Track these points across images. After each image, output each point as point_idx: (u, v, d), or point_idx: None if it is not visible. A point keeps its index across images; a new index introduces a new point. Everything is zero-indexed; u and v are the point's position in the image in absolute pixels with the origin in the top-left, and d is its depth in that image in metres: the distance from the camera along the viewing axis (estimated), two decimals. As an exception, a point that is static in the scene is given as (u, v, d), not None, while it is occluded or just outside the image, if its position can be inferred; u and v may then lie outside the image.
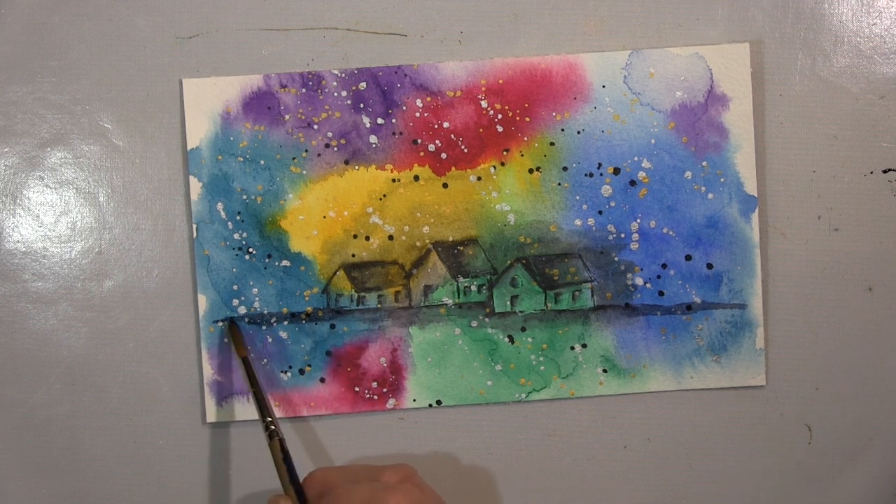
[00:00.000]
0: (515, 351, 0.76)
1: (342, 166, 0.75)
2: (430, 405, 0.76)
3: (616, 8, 0.75)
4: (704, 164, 0.75)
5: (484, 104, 0.75)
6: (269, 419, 0.69)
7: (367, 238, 0.75)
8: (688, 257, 0.75)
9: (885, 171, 0.75)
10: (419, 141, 0.75)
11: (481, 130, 0.75)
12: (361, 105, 0.75)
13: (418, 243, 0.76)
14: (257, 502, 0.76)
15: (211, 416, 0.75)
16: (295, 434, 0.76)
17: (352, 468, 0.66)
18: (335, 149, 0.75)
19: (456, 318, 0.76)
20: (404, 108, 0.75)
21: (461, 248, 0.76)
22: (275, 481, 0.76)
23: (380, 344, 0.76)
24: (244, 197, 0.75)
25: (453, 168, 0.75)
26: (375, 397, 0.76)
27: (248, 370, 0.72)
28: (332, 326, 0.76)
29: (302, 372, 0.76)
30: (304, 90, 0.75)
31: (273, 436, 0.67)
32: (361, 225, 0.76)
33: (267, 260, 0.75)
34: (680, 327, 0.76)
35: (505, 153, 0.75)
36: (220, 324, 0.75)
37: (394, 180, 0.75)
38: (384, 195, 0.75)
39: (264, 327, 0.75)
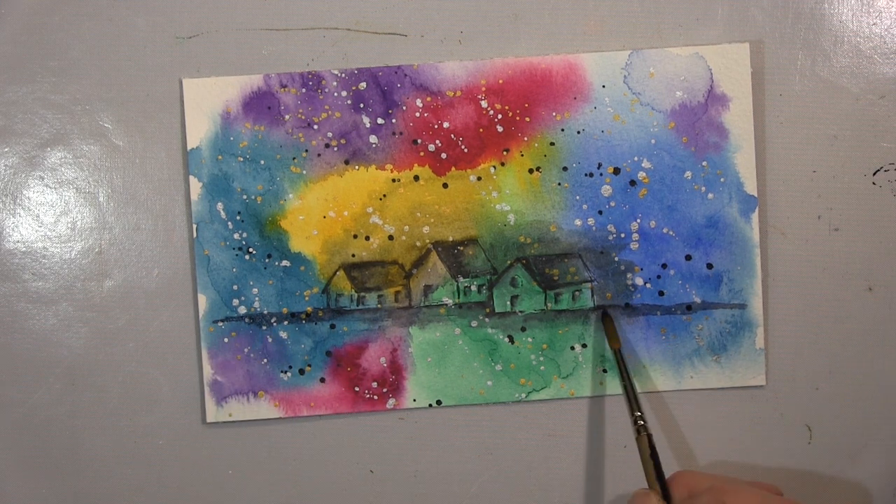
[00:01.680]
0: (515, 351, 0.76)
1: (342, 166, 0.75)
2: (430, 405, 0.76)
3: (616, 8, 0.75)
4: (704, 164, 0.75)
5: (484, 104, 0.75)
6: (639, 414, 0.68)
7: (367, 238, 0.76)
8: (688, 257, 0.75)
9: (885, 171, 0.75)
10: (419, 141, 0.75)
11: (481, 130, 0.75)
12: (361, 105, 0.75)
13: (418, 243, 0.76)
14: (257, 502, 0.76)
15: (211, 416, 0.75)
16: (295, 434, 0.76)
17: (722, 476, 0.65)
18: (335, 149, 0.75)
19: (456, 318, 0.76)
20: (404, 108, 0.75)
21: (461, 248, 0.76)
22: (274, 481, 0.76)
23: (380, 344, 0.76)
24: (244, 197, 0.75)
25: (453, 168, 0.75)
26: (375, 397, 0.76)
27: (619, 362, 0.72)
28: (332, 326, 0.76)
29: (302, 372, 0.76)
30: (304, 90, 0.75)
31: (641, 431, 0.67)
32: (361, 225, 0.76)
33: (267, 260, 0.75)
34: (680, 327, 0.76)
35: (505, 153, 0.75)
36: (595, 312, 0.75)
37: (394, 180, 0.75)
38: (384, 195, 0.75)
39: (264, 327, 0.75)
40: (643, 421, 0.68)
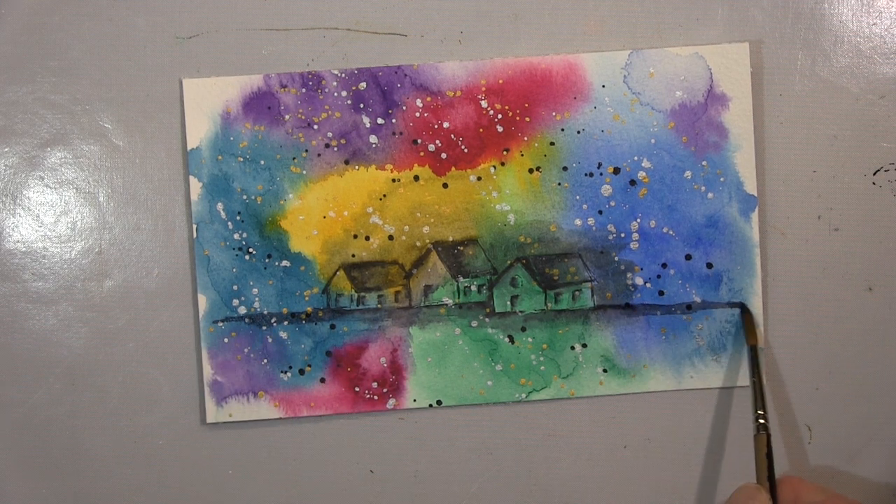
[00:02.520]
0: (515, 351, 0.76)
1: (342, 166, 0.75)
2: (431, 405, 0.76)
3: (616, 8, 0.75)
4: (704, 163, 0.75)
5: (484, 104, 0.75)
6: (761, 412, 0.69)
7: (367, 238, 0.76)
8: (688, 257, 0.75)
9: (885, 171, 0.75)
10: (419, 141, 0.75)
11: (481, 130, 0.75)
12: (361, 105, 0.75)
13: (418, 243, 0.76)
14: (257, 502, 0.76)
15: (211, 416, 0.75)
16: (295, 434, 0.76)
17: (830, 491, 0.66)
18: (335, 149, 0.75)
19: (456, 318, 0.76)
20: (404, 108, 0.75)
21: (461, 248, 0.76)
22: (274, 480, 0.76)
23: (380, 344, 0.76)
24: (244, 197, 0.75)
25: (453, 168, 0.75)
26: (375, 397, 0.76)
27: (754, 359, 0.73)
28: (332, 326, 0.76)
29: (302, 372, 0.76)
30: (304, 90, 0.75)
31: (761, 430, 0.67)
32: (361, 225, 0.76)
33: (267, 260, 0.75)
34: (680, 327, 0.76)
35: (505, 153, 0.75)
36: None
37: (394, 180, 0.75)
38: (384, 195, 0.75)
39: (264, 327, 0.75)
40: (764, 420, 0.68)
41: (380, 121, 0.75)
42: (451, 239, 0.76)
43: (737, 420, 0.76)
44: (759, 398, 0.70)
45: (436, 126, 0.75)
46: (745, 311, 0.75)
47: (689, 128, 0.75)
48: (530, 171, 0.75)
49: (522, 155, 0.75)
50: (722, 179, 0.75)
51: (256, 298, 0.75)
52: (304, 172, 0.75)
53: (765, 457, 0.66)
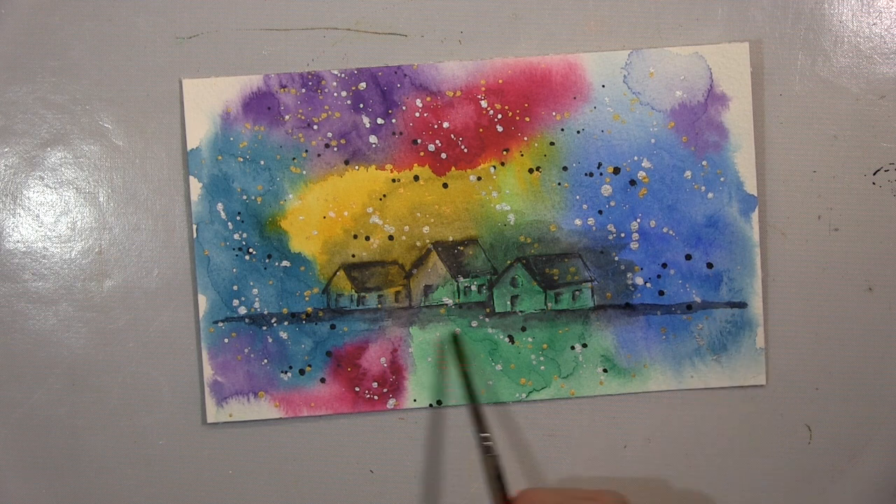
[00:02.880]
0: (515, 351, 0.76)
1: (342, 166, 0.75)
2: (431, 405, 0.76)
3: (616, 8, 0.75)
4: (704, 163, 0.75)
5: (484, 104, 0.75)
6: (485, 435, 0.69)
7: (367, 238, 0.76)
8: (688, 257, 0.75)
9: (885, 171, 0.75)
10: (419, 141, 0.75)
11: (481, 130, 0.75)
12: (361, 105, 0.75)
13: (418, 243, 0.76)
14: (257, 502, 0.76)
15: (211, 416, 0.75)
16: (295, 434, 0.76)
17: (566, 491, 0.66)
18: (335, 149, 0.75)
19: (456, 318, 0.76)
20: (404, 108, 0.75)
21: (461, 248, 0.76)
22: (274, 481, 0.76)
23: (380, 344, 0.76)
24: (244, 197, 0.75)
25: (453, 168, 0.75)
26: (376, 397, 0.76)
27: (467, 383, 0.73)
28: (333, 326, 0.76)
29: (302, 372, 0.76)
30: (303, 90, 0.75)
31: (488, 451, 0.67)
32: (361, 225, 0.76)
33: (267, 260, 0.75)
34: (680, 327, 0.76)
35: (505, 153, 0.75)
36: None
37: (394, 180, 0.75)
38: (384, 195, 0.75)
39: (264, 327, 0.75)
40: (490, 442, 0.68)
41: (380, 121, 0.75)
42: (451, 239, 0.76)
43: (737, 420, 0.76)
44: (480, 421, 0.70)
45: (436, 126, 0.75)
46: (455, 339, 0.75)
47: (689, 128, 0.75)
48: (530, 171, 0.75)
49: (522, 155, 0.75)
50: (722, 179, 0.75)
51: (256, 299, 0.75)
52: (304, 172, 0.75)
53: (496, 479, 0.66)
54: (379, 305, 0.76)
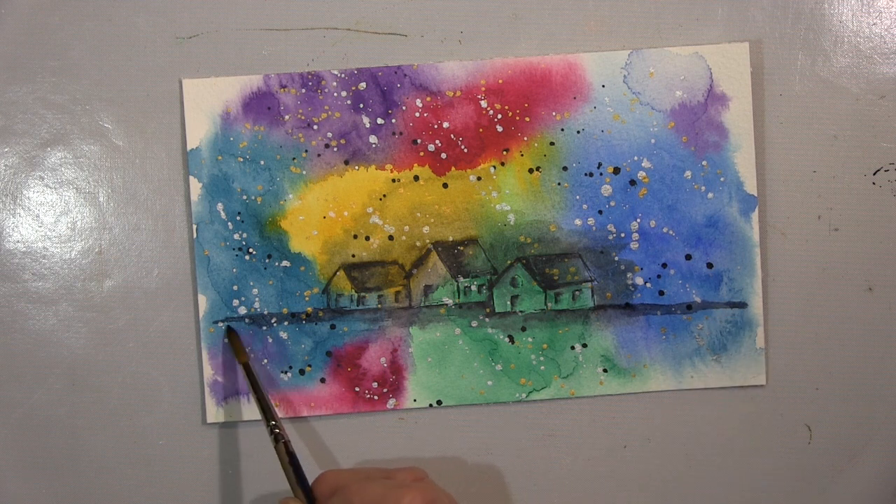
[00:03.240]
0: (515, 351, 0.76)
1: (342, 166, 0.75)
2: (431, 405, 0.76)
3: (616, 8, 0.75)
4: (704, 163, 0.75)
5: (484, 104, 0.75)
6: (273, 423, 0.69)
7: (367, 238, 0.75)
8: (688, 257, 0.75)
9: (885, 171, 0.75)
10: (419, 141, 0.75)
11: (481, 130, 0.75)
12: (361, 105, 0.75)
13: (418, 243, 0.76)
14: (257, 502, 0.76)
15: (211, 416, 0.75)
16: (295, 435, 0.76)
17: (363, 470, 0.66)
18: (335, 149, 0.75)
19: (456, 318, 0.76)
20: (404, 108, 0.75)
21: (461, 248, 0.76)
22: (274, 481, 0.76)
23: (380, 344, 0.76)
24: (244, 197, 0.75)
25: (453, 168, 0.75)
26: (376, 397, 0.76)
27: (249, 375, 0.72)
28: (333, 326, 0.76)
29: (302, 372, 0.76)
30: (303, 90, 0.75)
31: (279, 439, 0.67)
32: (361, 225, 0.76)
33: (267, 260, 0.75)
34: (680, 327, 0.76)
35: (505, 153, 0.75)
36: (221, 324, 0.75)
37: (394, 180, 0.75)
38: (384, 195, 0.75)
39: (264, 328, 0.75)
40: (279, 429, 0.68)
41: (380, 121, 0.75)
42: (451, 239, 0.76)
43: (737, 420, 0.76)
44: (266, 410, 0.70)
45: (436, 126, 0.75)
46: (230, 331, 0.75)
47: (689, 128, 0.75)
48: (530, 171, 0.75)
49: (522, 155, 0.75)
50: (722, 179, 0.75)
51: (256, 299, 0.75)
52: (304, 172, 0.75)
53: (289, 464, 0.66)
54: (379, 305, 0.76)
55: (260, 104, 0.75)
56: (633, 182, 0.75)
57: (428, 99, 0.75)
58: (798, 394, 0.76)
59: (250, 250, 0.75)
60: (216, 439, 0.76)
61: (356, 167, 0.75)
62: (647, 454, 0.77)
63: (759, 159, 0.75)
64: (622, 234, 0.75)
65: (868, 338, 0.76)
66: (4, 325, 0.75)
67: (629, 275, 0.76)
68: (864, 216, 0.75)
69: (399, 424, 0.76)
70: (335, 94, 0.75)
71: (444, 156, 0.75)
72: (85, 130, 0.75)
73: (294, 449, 0.67)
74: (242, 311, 0.75)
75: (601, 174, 0.75)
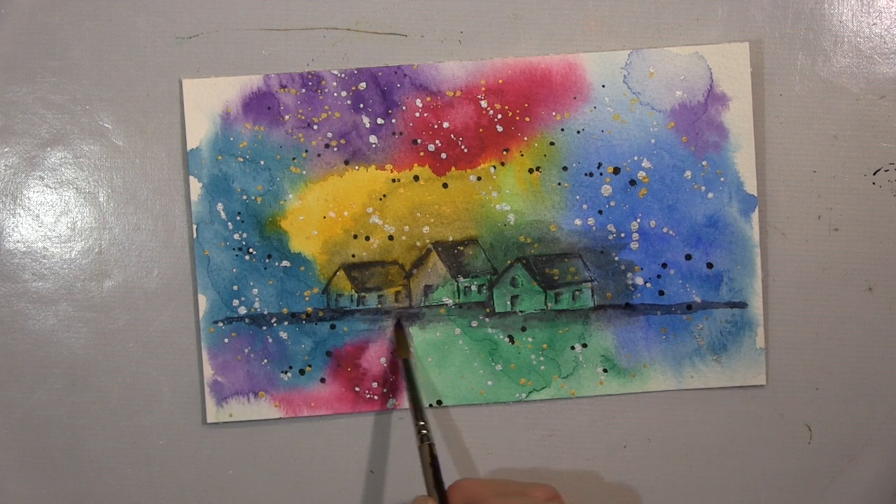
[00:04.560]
0: (515, 351, 0.76)
1: (342, 166, 0.75)
2: (431, 405, 0.76)
3: (616, 8, 0.75)
4: (704, 163, 0.75)
5: (484, 104, 0.75)
6: (422, 423, 0.68)
7: (367, 238, 0.76)
8: (688, 257, 0.75)
9: (885, 171, 0.75)
10: (419, 141, 0.75)
11: (481, 130, 0.75)
12: (361, 105, 0.75)
13: (418, 243, 0.76)
14: (257, 502, 0.76)
15: (211, 416, 0.75)
16: (295, 434, 0.76)
17: (498, 482, 0.65)
18: (335, 149, 0.75)
19: (456, 318, 0.76)
20: (404, 108, 0.75)
21: (461, 248, 0.76)
22: (275, 481, 0.76)
23: (380, 344, 0.76)
24: (244, 197, 0.75)
25: (453, 168, 0.75)
26: (376, 397, 0.76)
27: (407, 372, 0.73)
28: (333, 326, 0.76)
29: (302, 372, 0.76)
30: (303, 90, 0.75)
31: (424, 439, 0.67)
32: (361, 225, 0.76)
33: (267, 260, 0.75)
34: (680, 327, 0.76)
35: (505, 153, 0.75)
36: (389, 324, 0.75)
37: (394, 180, 0.75)
38: (384, 195, 0.75)
39: (264, 327, 0.75)
40: (426, 430, 0.68)
41: (380, 121, 0.75)
42: (451, 239, 0.76)
43: (737, 420, 0.76)
44: (417, 410, 0.70)
45: (436, 126, 0.75)
46: (397, 326, 0.75)
47: (689, 128, 0.75)
48: (530, 171, 0.75)
49: (522, 155, 0.75)
50: (722, 179, 0.75)
51: (256, 298, 0.75)
52: (304, 172, 0.75)
53: (430, 466, 0.65)
54: (379, 305, 0.76)
55: (260, 104, 0.75)
56: (633, 182, 0.75)
57: (428, 99, 0.75)
58: (798, 394, 0.76)
59: (250, 250, 0.75)
60: (216, 439, 0.76)
61: (356, 167, 0.75)
62: (647, 454, 0.77)
63: (759, 159, 0.75)
64: (622, 234, 0.75)
65: (868, 338, 0.76)
66: (4, 325, 0.75)
67: (629, 275, 0.76)
68: (864, 216, 0.75)
69: (399, 424, 0.76)
70: (335, 94, 0.75)
71: (444, 156, 0.75)
72: (85, 130, 0.75)
73: (437, 452, 0.66)
74: (242, 311, 0.75)
75: (601, 174, 0.75)
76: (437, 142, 0.75)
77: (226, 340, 0.75)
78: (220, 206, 0.75)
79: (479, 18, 0.75)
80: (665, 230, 0.75)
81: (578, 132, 0.75)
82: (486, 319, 0.76)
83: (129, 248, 0.76)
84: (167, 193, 0.76)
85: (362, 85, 0.75)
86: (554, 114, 0.75)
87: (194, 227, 0.75)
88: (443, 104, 0.75)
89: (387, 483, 0.77)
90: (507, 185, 0.75)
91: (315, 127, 0.75)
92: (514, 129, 0.75)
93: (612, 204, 0.75)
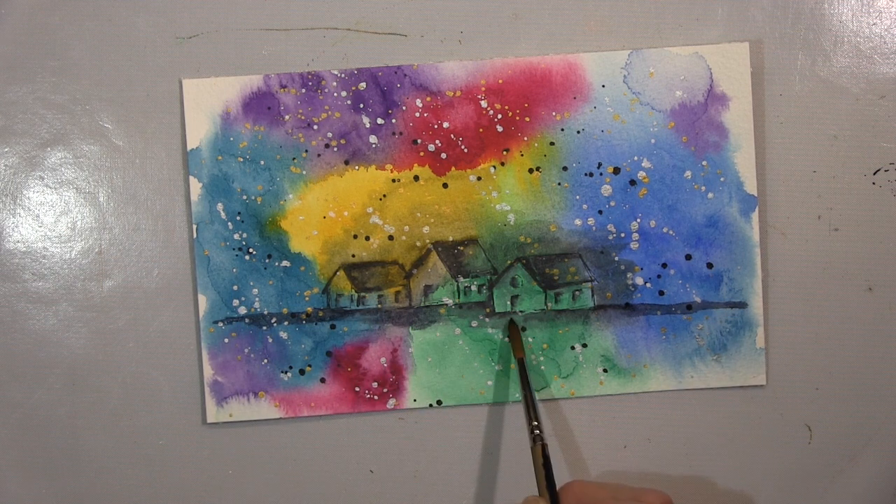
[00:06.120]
0: (515, 351, 0.76)
1: (342, 166, 0.75)
2: (431, 405, 0.76)
3: (616, 8, 0.75)
4: (704, 163, 0.75)
5: (484, 104, 0.75)
6: (535, 423, 0.68)
7: (367, 238, 0.76)
8: (688, 257, 0.75)
9: (885, 171, 0.75)
10: (419, 141, 0.75)
11: (481, 130, 0.75)
12: (361, 105, 0.75)
13: (418, 243, 0.76)
14: (257, 502, 0.76)
15: (211, 416, 0.75)
16: (295, 434, 0.76)
17: (611, 486, 0.65)
18: (335, 149, 0.75)
19: (456, 318, 0.76)
20: (404, 108, 0.75)
21: (461, 248, 0.76)
22: (274, 481, 0.76)
23: (380, 344, 0.76)
24: (244, 197, 0.75)
25: (453, 168, 0.75)
26: (376, 397, 0.76)
27: (521, 372, 0.73)
28: (333, 326, 0.76)
29: (302, 372, 0.76)
30: (303, 90, 0.75)
31: (537, 440, 0.67)
32: (361, 225, 0.76)
33: (267, 260, 0.75)
34: (680, 327, 0.76)
35: (505, 153, 0.75)
36: (498, 326, 0.75)
37: (394, 180, 0.75)
38: (384, 195, 0.75)
39: (264, 328, 0.75)
40: (539, 431, 0.67)
41: (380, 121, 0.75)
42: (451, 239, 0.76)
43: (737, 420, 0.76)
44: (531, 410, 0.70)
45: (436, 126, 0.75)
46: (512, 325, 0.75)
47: (689, 128, 0.75)
48: (530, 171, 0.75)
49: (522, 155, 0.75)
50: (722, 179, 0.75)
51: (256, 298, 0.75)
52: (304, 173, 0.75)
53: (542, 466, 0.65)
54: (379, 305, 0.76)
55: (260, 104, 0.75)
56: (633, 182, 0.75)
57: (428, 99, 0.75)
58: (798, 394, 0.76)
59: (250, 250, 0.75)
60: (216, 439, 0.76)
61: (356, 167, 0.75)
62: (647, 454, 0.77)
63: (759, 159, 0.75)
64: (622, 234, 0.75)
65: (868, 338, 0.76)
66: (4, 325, 0.75)
67: (629, 275, 0.76)
68: (864, 216, 0.75)
69: (399, 424, 0.76)
70: (335, 94, 0.75)
71: (444, 156, 0.75)
72: (85, 130, 0.75)
73: (549, 453, 0.67)
74: (242, 311, 0.75)
75: (601, 174, 0.75)
76: (437, 142, 0.75)
77: (226, 340, 0.75)
78: (220, 206, 0.75)
79: (479, 18, 0.75)
80: (665, 230, 0.75)
81: (578, 132, 0.75)
82: (486, 319, 0.76)
83: (129, 248, 0.76)
84: (167, 193, 0.76)
85: (362, 85, 0.75)
86: (554, 114, 0.75)
87: (194, 227, 0.75)
88: (443, 104, 0.75)
89: (387, 483, 0.77)
90: (507, 185, 0.75)
91: (315, 127, 0.75)
92: (514, 129, 0.75)
93: (612, 204, 0.75)
